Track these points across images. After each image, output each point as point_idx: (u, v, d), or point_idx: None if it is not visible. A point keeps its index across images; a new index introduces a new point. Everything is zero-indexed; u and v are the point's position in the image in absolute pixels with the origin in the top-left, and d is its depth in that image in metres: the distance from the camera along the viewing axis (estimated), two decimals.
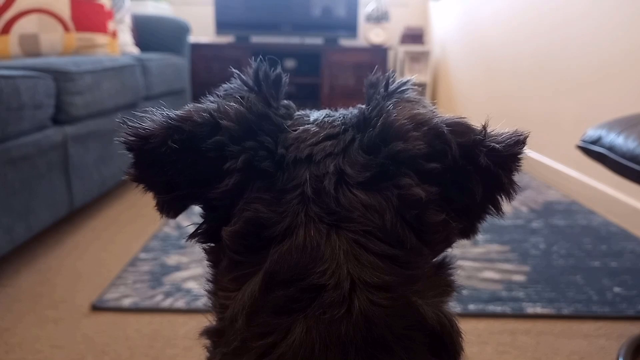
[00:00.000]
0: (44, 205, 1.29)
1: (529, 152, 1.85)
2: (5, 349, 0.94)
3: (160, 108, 0.37)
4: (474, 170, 0.36)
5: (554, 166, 2.03)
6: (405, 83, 0.42)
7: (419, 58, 3.76)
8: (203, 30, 3.82)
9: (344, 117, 0.39)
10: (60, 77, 1.38)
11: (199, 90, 3.38)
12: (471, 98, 3.11)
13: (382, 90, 0.40)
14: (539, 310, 1.08)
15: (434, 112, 0.39)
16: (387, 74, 0.42)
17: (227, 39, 3.74)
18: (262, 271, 0.32)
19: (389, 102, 0.38)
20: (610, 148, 0.87)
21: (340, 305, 0.30)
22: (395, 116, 0.36)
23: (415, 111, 0.37)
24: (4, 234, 1.14)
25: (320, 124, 0.38)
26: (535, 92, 2.24)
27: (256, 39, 3.70)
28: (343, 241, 0.31)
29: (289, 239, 0.32)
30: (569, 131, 1.94)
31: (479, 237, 1.46)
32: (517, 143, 0.41)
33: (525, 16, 2.33)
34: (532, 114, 2.27)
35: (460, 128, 0.39)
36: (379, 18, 3.65)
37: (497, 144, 0.39)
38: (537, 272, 1.25)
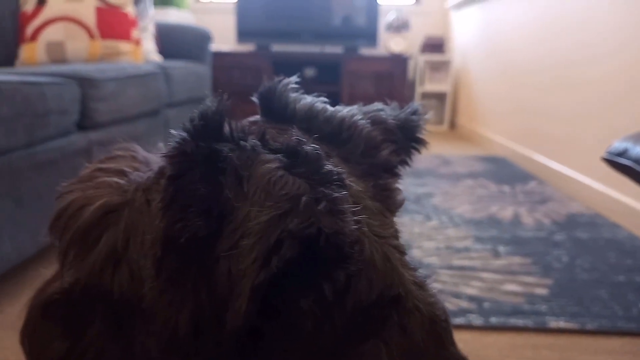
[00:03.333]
0: None
1: (551, 163, 1.83)
2: None
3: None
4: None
5: (578, 178, 2.00)
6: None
7: (439, 67, 3.75)
8: (224, 38, 3.86)
9: None
10: (85, 83, 1.40)
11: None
12: (493, 108, 3.08)
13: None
14: (562, 324, 1.06)
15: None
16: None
17: (248, 47, 3.77)
18: None
19: None
20: (637, 160, 0.85)
21: None
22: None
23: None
24: (30, 237, 1.16)
25: None
26: (558, 103, 2.21)
27: (277, 47, 3.72)
28: None
29: None
30: (594, 143, 1.91)
31: (501, 249, 1.44)
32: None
33: (550, 27, 2.31)
34: (555, 124, 2.24)
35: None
36: (400, 27, 3.65)
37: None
38: (560, 285, 1.23)
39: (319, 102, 0.44)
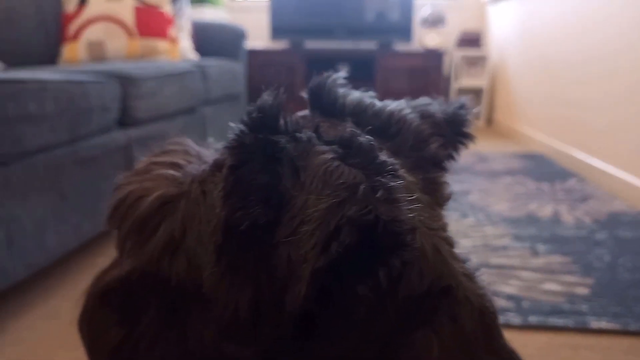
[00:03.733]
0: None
1: (592, 160, 1.78)
2: (74, 341, 0.98)
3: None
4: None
5: (620, 176, 1.94)
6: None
7: (475, 62, 3.69)
8: (259, 36, 3.89)
9: None
10: (125, 81, 1.44)
11: (254, 94, 3.45)
12: (531, 103, 3.02)
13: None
14: (603, 325, 1.03)
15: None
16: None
17: (281, 44, 3.79)
18: None
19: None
20: None
21: None
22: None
23: None
24: (73, 231, 1.20)
25: None
26: (600, 98, 2.15)
27: (310, 44, 3.73)
28: None
29: None
30: (638, 139, 1.85)
31: (540, 247, 1.41)
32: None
33: (591, 18, 2.25)
34: (596, 120, 2.18)
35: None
36: (435, 22, 3.60)
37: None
38: (601, 285, 1.19)
39: (367, 97, 0.44)
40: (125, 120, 1.46)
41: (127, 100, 1.45)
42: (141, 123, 1.54)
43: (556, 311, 1.08)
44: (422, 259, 0.33)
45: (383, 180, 0.27)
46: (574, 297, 1.14)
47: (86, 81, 1.24)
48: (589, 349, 0.97)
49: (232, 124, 0.31)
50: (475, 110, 0.49)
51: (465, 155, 2.73)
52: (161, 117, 1.66)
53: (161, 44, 2.04)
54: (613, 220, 1.64)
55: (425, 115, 0.45)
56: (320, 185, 0.27)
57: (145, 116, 1.54)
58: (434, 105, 0.48)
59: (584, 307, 1.10)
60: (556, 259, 1.34)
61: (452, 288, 0.34)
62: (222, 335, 0.31)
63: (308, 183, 0.27)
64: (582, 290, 1.17)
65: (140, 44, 2.00)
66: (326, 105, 0.42)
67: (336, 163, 0.28)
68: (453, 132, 0.47)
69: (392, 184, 0.28)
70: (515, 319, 1.05)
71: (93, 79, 1.28)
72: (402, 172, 0.30)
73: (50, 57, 1.95)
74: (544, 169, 2.36)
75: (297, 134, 0.30)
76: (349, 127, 0.30)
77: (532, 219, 1.65)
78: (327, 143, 0.30)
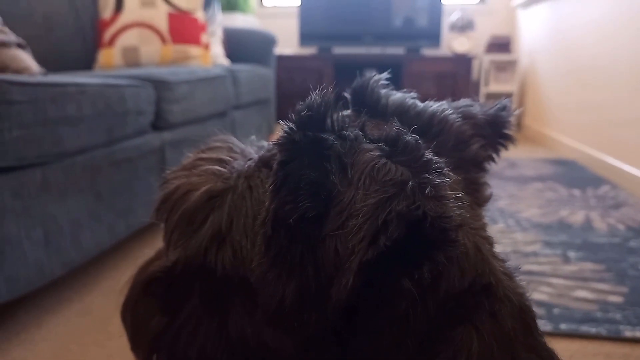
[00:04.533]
0: (142, 205, 1.37)
1: (625, 167, 1.74)
2: (106, 337, 1.01)
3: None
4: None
5: None
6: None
7: (505, 67, 3.65)
8: (288, 42, 3.93)
9: None
10: (159, 86, 1.47)
11: (283, 99, 3.48)
12: (562, 108, 2.97)
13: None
14: (638, 334, 1.01)
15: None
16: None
17: (309, 50, 3.82)
18: None
19: None
20: None
21: None
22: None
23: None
24: (107, 230, 1.23)
25: None
26: (632, 103, 2.11)
27: (338, 50, 3.75)
28: None
29: None
30: None
31: (571, 254, 1.39)
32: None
33: (623, 22, 2.20)
34: (630, 125, 2.13)
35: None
36: (464, 27, 3.58)
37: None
38: (636, 293, 1.17)
39: (409, 98, 0.45)
40: (159, 123, 1.49)
41: (161, 103, 1.48)
42: (174, 126, 1.57)
43: (588, 319, 1.06)
44: (464, 257, 0.34)
45: (430, 177, 0.28)
46: (606, 305, 1.12)
47: (122, 85, 1.27)
48: (622, 358, 0.95)
49: (281, 122, 0.32)
50: (516, 113, 0.50)
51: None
52: (193, 121, 1.70)
53: (194, 50, 2.08)
54: None
55: (466, 117, 0.46)
56: (368, 182, 0.28)
57: (178, 120, 1.57)
58: (475, 106, 0.48)
59: (617, 316, 1.07)
60: (588, 267, 1.32)
61: (492, 286, 0.34)
62: (267, 323, 0.32)
63: (356, 179, 0.28)
64: (616, 299, 1.15)
65: (173, 49, 2.04)
66: (369, 105, 0.43)
67: (383, 160, 0.29)
68: (494, 133, 0.47)
69: (439, 181, 0.28)
70: (546, 326, 1.04)
71: (129, 83, 1.31)
72: (446, 170, 0.30)
73: (87, 62, 2.01)
74: (575, 175, 2.32)
75: (344, 132, 0.31)
76: (394, 126, 0.31)
77: (563, 226, 1.63)
78: (374, 141, 0.31)
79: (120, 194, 1.28)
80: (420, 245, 0.28)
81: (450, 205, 0.28)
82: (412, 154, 0.30)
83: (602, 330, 1.02)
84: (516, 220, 1.68)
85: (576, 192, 2.04)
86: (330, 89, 0.33)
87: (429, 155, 0.30)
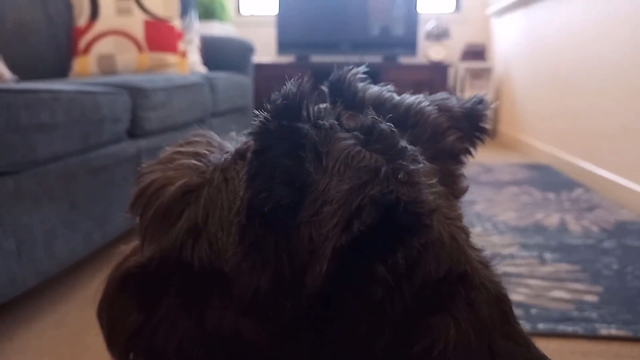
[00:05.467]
0: (119, 213, 1.35)
1: (599, 171, 1.77)
2: (83, 348, 0.99)
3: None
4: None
5: (627, 185, 1.94)
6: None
7: (480, 75, 3.71)
8: (265, 50, 3.93)
9: None
10: (135, 93, 1.46)
11: (261, 107, 3.47)
12: (536, 114, 3.03)
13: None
14: (613, 332, 1.03)
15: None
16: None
17: (287, 58, 3.83)
18: None
19: None
20: None
21: None
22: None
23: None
24: (82, 239, 1.21)
25: None
26: (605, 108, 2.16)
27: (316, 58, 3.77)
28: None
29: None
30: None
31: (547, 256, 1.41)
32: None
33: (595, 31, 2.26)
34: (603, 130, 2.18)
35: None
36: (439, 35, 3.63)
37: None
38: (610, 293, 1.19)
39: (386, 90, 0.46)
40: (135, 131, 1.47)
41: (137, 111, 1.47)
42: (151, 134, 1.55)
43: (565, 318, 1.08)
44: (439, 246, 0.34)
45: (404, 163, 0.28)
46: (582, 304, 1.14)
47: (97, 92, 1.26)
48: (599, 356, 0.97)
49: (256, 111, 0.32)
50: (493, 106, 0.50)
51: (470, 166, 2.72)
52: (170, 128, 1.68)
53: (170, 58, 2.07)
54: (620, 229, 1.64)
55: (443, 109, 0.46)
56: (343, 169, 0.28)
57: (155, 127, 1.56)
58: (452, 99, 0.49)
59: (593, 315, 1.09)
60: (564, 267, 1.34)
61: (468, 274, 0.35)
62: (243, 313, 0.32)
63: (330, 167, 0.28)
64: (591, 298, 1.17)
65: (149, 57, 2.03)
66: (346, 98, 0.44)
67: (358, 148, 0.29)
68: (470, 126, 0.48)
69: (413, 167, 0.29)
70: (524, 326, 1.05)
71: (105, 90, 1.30)
72: (421, 158, 0.31)
73: (61, 70, 1.98)
74: (550, 179, 2.36)
75: (320, 122, 0.31)
76: (369, 115, 0.31)
77: (538, 228, 1.65)
78: (349, 131, 0.31)
79: (96, 202, 1.26)
80: (393, 231, 0.28)
81: (424, 190, 0.28)
82: (386, 141, 0.30)
83: (579, 329, 1.04)
84: (493, 224, 1.70)
85: (551, 195, 2.07)
86: (306, 79, 0.33)
87: (403, 143, 0.30)
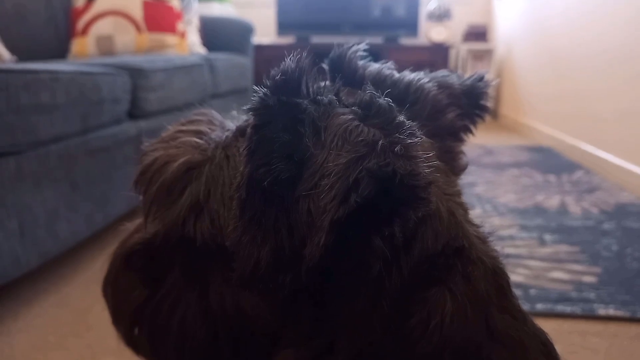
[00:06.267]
0: (120, 194, 1.36)
1: (599, 152, 1.78)
2: (85, 327, 1.00)
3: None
4: None
5: (627, 167, 1.94)
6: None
7: (482, 56, 3.68)
8: (265, 31, 3.90)
9: None
10: (135, 74, 1.45)
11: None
12: (538, 97, 3.01)
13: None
14: (611, 312, 1.04)
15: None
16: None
17: (287, 39, 3.80)
18: None
19: None
20: None
21: None
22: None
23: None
24: (84, 220, 1.21)
25: None
26: (607, 90, 2.15)
27: (316, 39, 3.74)
28: None
29: None
30: None
31: (547, 237, 1.42)
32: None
33: (598, 12, 2.24)
34: (604, 112, 2.17)
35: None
36: (441, 16, 3.60)
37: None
38: (609, 273, 1.20)
39: (386, 68, 0.46)
40: (135, 112, 1.47)
41: (137, 92, 1.46)
42: (151, 115, 1.55)
43: (564, 299, 1.09)
44: (437, 220, 0.34)
45: (401, 137, 0.29)
46: (581, 285, 1.15)
47: (97, 73, 1.25)
48: (596, 335, 0.98)
49: (256, 87, 0.32)
50: (494, 83, 0.50)
51: (471, 148, 2.73)
52: (170, 110, 1.68)
53: (169, 38, 2.06)
54: (620, 211, 1.64)
55: (443, 86, 0.46)
56: (341, 143, 0.28)
57: (155, 108, 1.55)
58: (452, 77, 0.48)
59: (591, 295, 1.10)
60: (563, 249, 1.34)
61: (465, 248, 0.35)
62: (243, 287, 0.32)
63: (329, 141, 0.29)
64: (590, 279, 1.18)
65: (148, 38, 2.01)
66: (346, 75, 0.44)
67: (356, 123, 0.29)
68: (470, 103, 0.48)
69: (410, 141, 0.29)
70: (523, 306, 1.06)
71: (104, 71, 1.29)
72: (419, 133, 0.31)
73: (60, 51, 1.97)
74: (550, 161, 2.36)
75: (319, 97, 0.31)
76: (368, 91, 0.31)
77: (539, 210, 1.66)
78: (347, 106, 0.31)
79: (97, 184, 1.26)
80: (390, 203, 0.29)
81: (421, 164, 0.29)
82: (384, 116, 0.30)
83: (577, 309, 1.05)
84: (493, 206, 1.71)
85: (551, 177, 2.07)
86: (305, 54, 0.33)
87: (401, 117, 0.30)
